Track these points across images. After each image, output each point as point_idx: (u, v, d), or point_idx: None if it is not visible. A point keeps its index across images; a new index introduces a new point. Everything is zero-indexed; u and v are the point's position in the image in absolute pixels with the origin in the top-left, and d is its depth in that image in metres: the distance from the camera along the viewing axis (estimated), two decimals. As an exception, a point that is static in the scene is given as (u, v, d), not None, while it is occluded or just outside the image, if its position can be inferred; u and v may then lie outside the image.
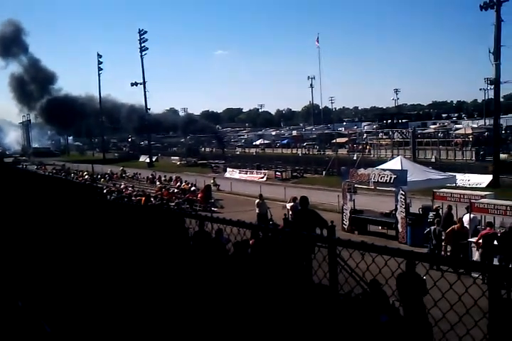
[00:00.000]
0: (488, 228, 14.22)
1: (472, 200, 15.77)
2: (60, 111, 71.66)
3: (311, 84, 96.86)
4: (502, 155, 36.61)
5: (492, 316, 2.22)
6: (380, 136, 55.89)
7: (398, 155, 27.42)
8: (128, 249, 4.80)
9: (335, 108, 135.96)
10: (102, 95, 75.02)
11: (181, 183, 33.54)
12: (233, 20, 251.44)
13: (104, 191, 29.88)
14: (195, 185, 31.87)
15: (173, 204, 26.69)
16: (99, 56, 73.33)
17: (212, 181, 35.68)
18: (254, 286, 3.87)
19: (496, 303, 2.25)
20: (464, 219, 15.64)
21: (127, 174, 44.76)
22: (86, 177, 40.98)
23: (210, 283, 4.05)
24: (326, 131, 67.68)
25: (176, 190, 31.26)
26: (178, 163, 61.00)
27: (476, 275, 7.24)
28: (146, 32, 63.19)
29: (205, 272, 4.17)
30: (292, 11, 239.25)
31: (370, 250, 2.65)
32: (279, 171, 42.55)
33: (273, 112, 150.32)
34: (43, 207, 6.80)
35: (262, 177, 41.89)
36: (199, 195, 28.62)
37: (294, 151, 59.61)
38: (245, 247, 7.16)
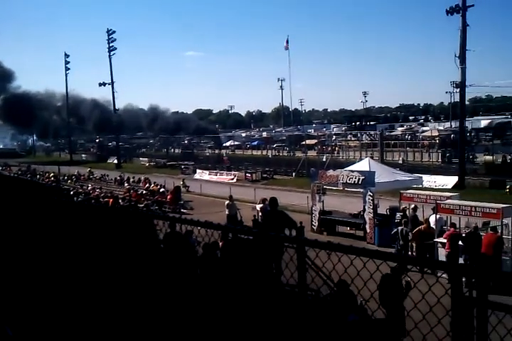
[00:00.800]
0: (451, 229, 14.52)
1: (438, 201, 16.08)
2: (18, 109, 69.63)
3: (281, 86, 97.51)
4: (487, 157, 37.30)
5: (455, 314, 2.26)
6: (348, 138, 56.47)
7: (366, 157, 27.74)
8: (90, 251, 4.71)
9: (304, 110, 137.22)
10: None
11: (150, 185, 33.22)
12: (205, 21, 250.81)
13: (71, 192, 29.46)
14: (164, 187, 31.60)
15: (142, 205, 26.41)
16: (67, 56, 72.09)
17: (181, 182, 35.47)
18: (224, 288, 3.85)
19: (458, 301, 2.28)
20: (430, 220, 15.93)
21: (95, 175, 44.11)
22: (52, 178, 40.19)
23: (178, 284, 4.01)
24: (296, 133, 68.00)
25: (144, 192, 30.95)
26: (147, 164, 60.45)
27: (443, 275, 7.38)
28: (114, 32, 62.44)
29: (174, 274, 4.14)
30: (263, 13, 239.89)
31: (336, 250, 2.67)
32: (249, 172, 42.57)
33: (243, 114, 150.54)
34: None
35: (232, 179, 41.83)
36: (168, 197, 28.40)
37: (264, 153, 59.79)
38: (214, 249, 7.13)
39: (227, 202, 22.47)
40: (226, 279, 3.97)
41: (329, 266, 3.51)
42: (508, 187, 28.82)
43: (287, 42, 71.90)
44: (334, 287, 7.24)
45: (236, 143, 65.36)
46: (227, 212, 21.78)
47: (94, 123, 75.47)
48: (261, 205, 19.65)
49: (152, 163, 59.98)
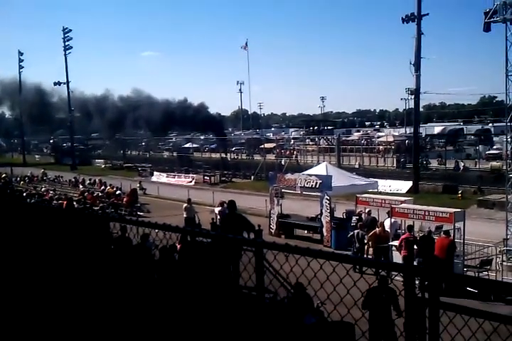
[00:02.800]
0: (407, 232, 14.85)
1: (393, 205, 16.43)
2: None
3: (240, 90, 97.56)
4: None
5: (408, 315, 2.32)
6: (306, 142, 57.01)
7: (324, 161, 28.08)
8: (39, 253, 4.58)
9: (263, 114, 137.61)
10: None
11: (106, 187, 32.63)
12: (164, 21, 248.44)
13: (24, 194, 28.62)
14: (120, 189, 31.10)
15: (97, 208, 25.90)
16: (21, 54, 70.09)
17: (138, 185, 34.99)
18: (181, 291, 3.81)
19: (412, 302, 2.34)
20: (385, 224, 16.26)
21: (48, 177, 42.98)
22: (3, 180, 38.88)
23: (134, 289, 3.95)
24: (255, 136, 68.14)
25: (100, 194, 30.37)
26: (103, 165, 59.36)
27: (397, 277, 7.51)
28: (70, 30, 61.11)
29: (129, 278, 4.07)
30: (223, 15, 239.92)
31: (294, 252, 2.69)
32: (207, 175, 42.40)
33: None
34: None
35: (190, 182, 41.58)
36: (125, 199, 27.97)
37: (223, 156, 59.60)
38: (172, 252, 7.06)
39: (185, 205, 22.30)
40: (183, 282, 3.94)
41: (287, 269, 3.54)
42: (460, 192, 29.73)
43: (246, 44, 71.95)
44: (291, 289, 7.28)
45: (194, 145, 64.87)
46: (185, 215, 21.60)
47: (49, 122, 73.43)
48: (219, 208, 19.59)
49: (108, 165, 58.92)
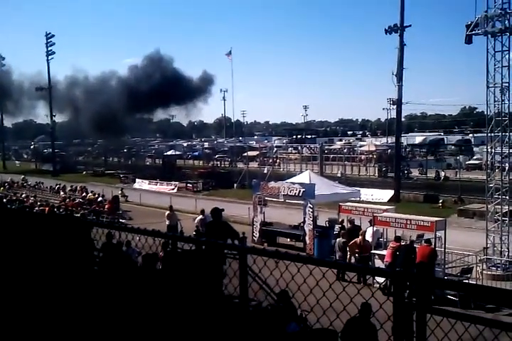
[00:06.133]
0: (396, 243, 14.89)
1: (375, 214, 16.53)
2: None
3: (224, 97, 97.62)
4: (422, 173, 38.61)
5: (396, 319, 2.33)
6: (289, 151, 57.19)
7: (307, 170, 28.19)
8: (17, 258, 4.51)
9: (246, 122, 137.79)
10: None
11: (87, 193, 32.30)
12: (148, 28, 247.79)
13: (4, 200, 28.17)
14: (102, 196, 30.81)
15: (79, 215, 25.60)
16: (2, 58, 69.41)
17: (120, 192, 34.72)
18: (164, 300, 3.78)
19: (400, 307, 2.35)
20: (367, 232, 16.34)
21: (29, 183, 42.41)
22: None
23: (115, 297, 3.90)
24: (238, 144, 68.18)
25: (81, 201, 30.04)
26: (85, 172, 58.80)
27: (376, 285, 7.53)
28: (53, 35, 60.66)
29: (110, 285, 4.02)
30: (207, 23, 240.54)
31: (280, 257, 2.69)
32: (190, 183, 42.23)
33: (185, 124, 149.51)
34: None
35: (173, 189, 41.38)
36: (106, 206, 27.71)
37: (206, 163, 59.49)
38: (154, 260, 7.00)
39: (167, 212, 22.18)
40: (166, 291, 3.90)
41: (271, 277, 3.55)
42: (440, 201, 30.05)
43: (230, 52, 72.05)
44: (276, 297, 7.26)
45: (177, 152, 64.64)
46: (167, 223, 21.48)
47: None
48: (200, 216, 19.55)
49: (90, 172, 58.37)
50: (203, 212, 19.55)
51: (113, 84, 59.37)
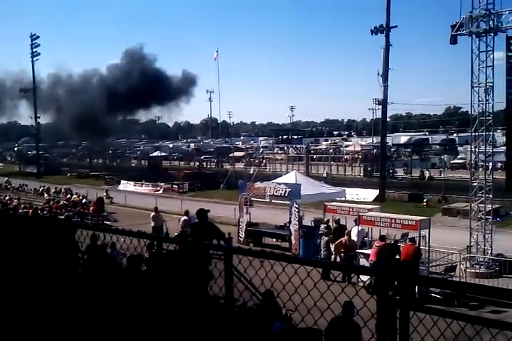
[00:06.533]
0: (378, 240, 15.02)
1: (360, 213, 16.63)
2: None
3: (210, 98, 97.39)
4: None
5: (380, 316, 2.35)
6: (275, 151, 57.30)
7: (293, 170, 28.25)
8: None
9: (233, 122, 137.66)
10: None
11: (72, 195, 32.03)
12: (132, 29, 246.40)
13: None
14: (86, 198, 30.58)
15: (63, 217, 25.37)
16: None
17: (105, 193, 34.49)
18: (149, 301, 3.76)
19: (383, 305, 2.37)
20: (352, 231, 16.43)
21: (12, 185, 41.97)
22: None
23: (100, 299, 3.88)
24: (224, 145, 68.11)
25: (65, 203, 29.79)
26: (69, 174, 58.33)
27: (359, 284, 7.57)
28: (38, 37, 60.12)
29: (94, 287, 4.00)
30: (194, 23, 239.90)
31: (265, 257, 2.70)
32: (176, 184, 42.08)
33: (171, 125, 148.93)
34: None
35: (159, 190, 41.20)
36: (91, 208, 27.52)
37: (192, 164, 59.32)
38: (139, 261, 6.97)
39: (152, 213, 22.09)
40: (151, 292, 3.88)
41: (256, 277, 3.56)
42: (425, 200, 30.29)
43: (217, 53, 72.04)
44: (261, 297, 7.26)
45: (163, 154, 64.38)
46: (152, 224, 21.39)
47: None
48: (185, 218, 19.56)
49: (74, 173, 57.93)
50: (187, 213, 19.56)
51: (95, 84, 58.27)
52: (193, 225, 11.77)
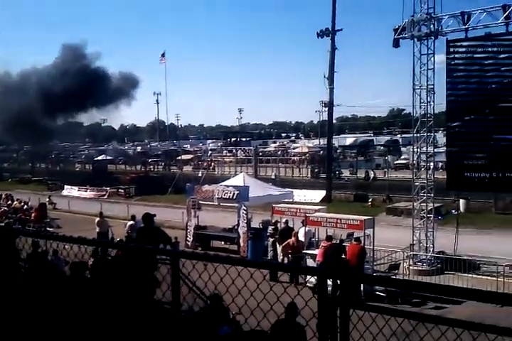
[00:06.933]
0: (324, 240, 15.25)
1: (307, 214, 16.84)
2: None
3: (157, 100, 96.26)
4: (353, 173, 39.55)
5: (320, 315, 2.38)
6: (224, 154, 57.26)
7: (241, 172, 28.31)
8: None
9: (181, 125, 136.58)
10: None
11: (13, 202, 30.87)
12: (80, 29, 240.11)
13: None
14: (28, 204, 29.56)
15: (3, 224, 24.41)
16: None
17: (47, 199, 33.45)
18: (94, 308, 3.67)
19: (323, 303, 2.40)
20: (299, 232, 16.62)
21: None
22: None
23: (42, 307, 3.76)
24: (172, 148, 67.40)
25: (6, 209, 28.69)
26: (10, 179, 56.25)
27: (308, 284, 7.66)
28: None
29: (36, 296, 3.87)
30: (141, 26, 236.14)
31: (211, 260, 2.69)
32: (121, 188, 41.29)
33: (116, 127, 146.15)
34: None
35: (104, 195, 40.33)
36: (33, 214, 26.63)
37: (138, 168, 58.39)
38: (83, 268, 6.79)
39: (97, 219, 21.61)
40: (95, 299, 3.79)
41: (203, 280, 3.54)
42: (370, 200, 31.02)
43: (163, 55, 71.19)
44: (207, 301, 7.23)
45: (108, 157, 63.02)
46: (97, 230, 20.92)
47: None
48: (131, 222, 19.27)
49: (16, 179, 55.91)
50: (133, 217, 19.26)
51: (33, 83, 55.57)
52: (139, 230, 11.60)
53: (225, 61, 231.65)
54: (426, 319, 2.22)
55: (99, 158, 60.68)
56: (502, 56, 16.59)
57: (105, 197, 39.67)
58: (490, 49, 16.84)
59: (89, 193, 41.78)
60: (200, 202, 21.40)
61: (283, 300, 3.18)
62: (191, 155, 56.00)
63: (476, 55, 17.10)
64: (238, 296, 3.21)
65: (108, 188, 41.68)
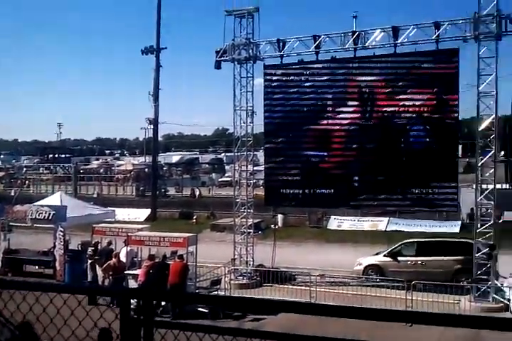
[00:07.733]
0: (147, 260, 15.01)
1: (129, 234, 16.45)
2: None
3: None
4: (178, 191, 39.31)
5: (123, 336, 2.30)
6: (41, 171, 53.65)
7: (59, 191, 26.74)
8: None
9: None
10: None
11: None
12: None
13: None
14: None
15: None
16: None
17: None
18: None
19: (126, 324, 2.33)
20: (121, 252, 16.13)
21: None
22: None
23: None
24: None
25: None
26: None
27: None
28: None
29: None
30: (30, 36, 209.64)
31: (16, 288, 2.47)
32: None
33: None
34: None
35: None
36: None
37: None
38: None
39: None
40: None
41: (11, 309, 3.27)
42: (195, 217, 31.43)
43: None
44: (16, 330, 6.66)
45: None
46: None
47: None
48: None
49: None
50: None
51: None
52: None
53: (47, 75, 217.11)
54: (228, 332, 2.27)
55: None
56: (312, 81, 18.14)
57: None
58: (302, 75, 18.31)
59: None
60: (12, 223, 19.68)
61: (101, 325, 3.04)
62: (3, 173, 51.43)
63: (290, 79, 18.48)
64: (51, 324, 2.99)
65: None
